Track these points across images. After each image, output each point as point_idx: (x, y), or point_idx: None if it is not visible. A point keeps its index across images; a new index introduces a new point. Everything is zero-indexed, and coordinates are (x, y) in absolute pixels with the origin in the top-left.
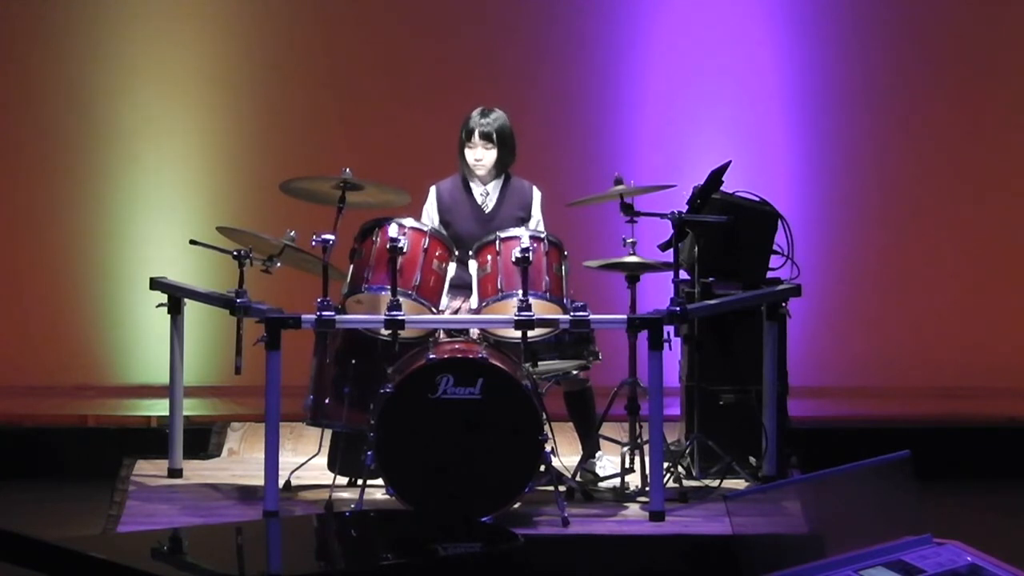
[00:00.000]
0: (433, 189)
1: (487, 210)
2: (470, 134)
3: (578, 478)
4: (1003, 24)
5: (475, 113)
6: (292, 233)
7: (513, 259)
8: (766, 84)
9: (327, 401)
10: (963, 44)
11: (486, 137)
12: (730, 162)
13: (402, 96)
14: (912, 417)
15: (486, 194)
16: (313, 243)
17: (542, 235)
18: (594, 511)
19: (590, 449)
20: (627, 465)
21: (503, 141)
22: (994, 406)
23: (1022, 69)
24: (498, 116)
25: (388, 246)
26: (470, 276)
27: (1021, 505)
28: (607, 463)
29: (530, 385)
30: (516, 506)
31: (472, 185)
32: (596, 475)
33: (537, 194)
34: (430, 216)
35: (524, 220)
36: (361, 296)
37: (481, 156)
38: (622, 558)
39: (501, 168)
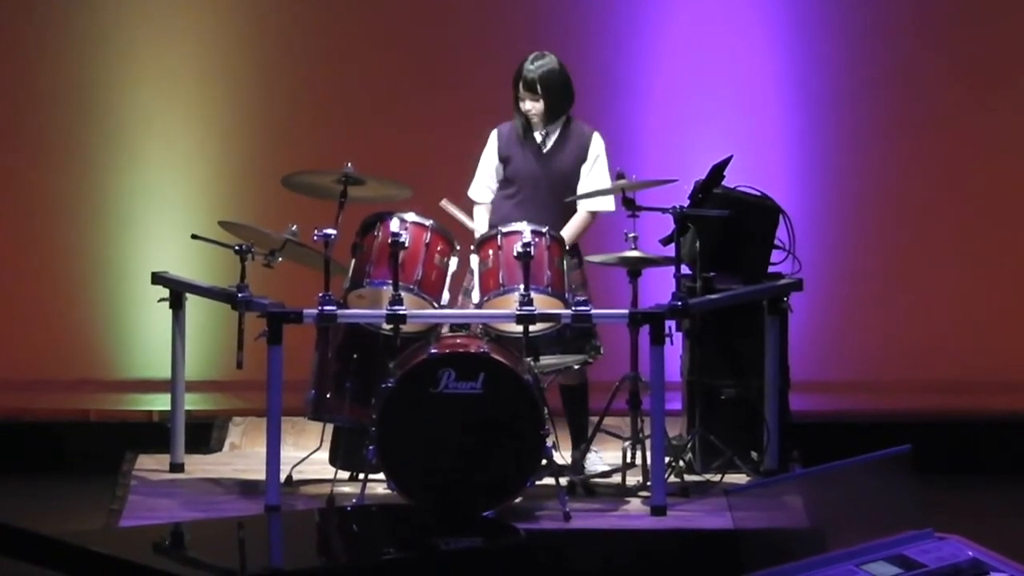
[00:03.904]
0: (495, 131)
1: (545, 149)
2: (518, 83)
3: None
4: (1008, 18)
5: (527, 60)
6: (294, 227)
7: (514, 254)
8: (767, 79)
9: (329, 396)
10: (966, 38)
11: (530, 87)
12: (731, 157)
13: (404, 90)
14: (914, 411)
15: (545, 134)
16: (315, 238)
17: (543, 230)
18: (596, 505)
19: (580, 444)
20: (628, 460)
21: (549, 89)
22: (997, 400)
23: None
24: (544, 63)
25: (390, 241)
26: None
27: (1023, 499)
28: (597, 460)
29: (532, 380)
30: (518, 500)
31: (533, 126)
32: (584, 470)
33: (597, 139)
34: (489, 159)
35: (582, 162)
36: (363, 291)
37: (530, 107)
38: (623, 552)
39: (554, 115)
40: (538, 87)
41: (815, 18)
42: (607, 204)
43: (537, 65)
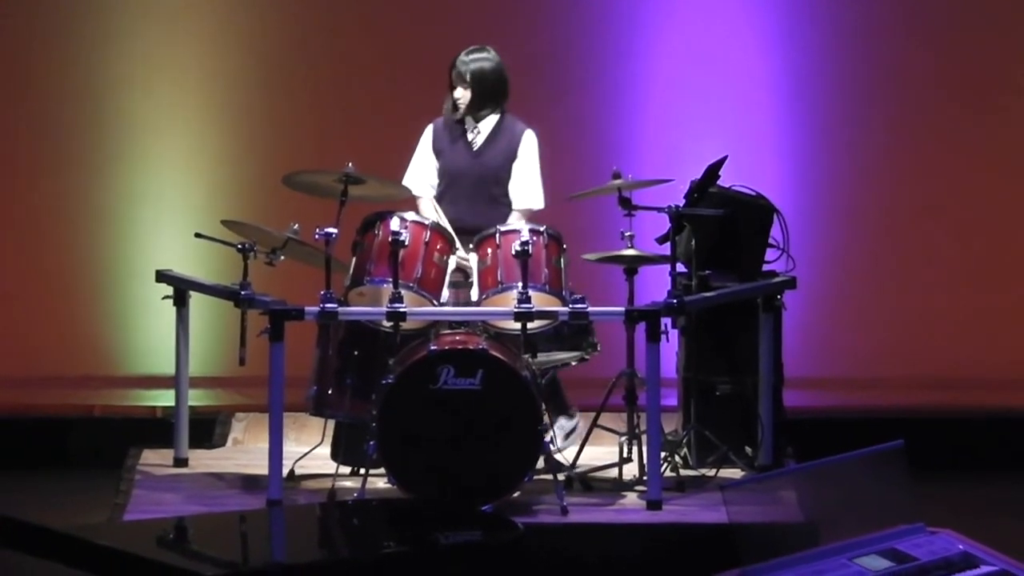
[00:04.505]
0: (431, 125)
1: (475, 147)
2: (451, 71)
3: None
4: (1000, 20)
5: (463, 51)
6: (295, 226)
7: (513, 252)
8: (762, 81)
9: (330, 392)
10: (957, 40)
11: (459, 77)
12: (726, 157)
13: (403, 91)
14: (906, 408)
15: (477, 131)
16: (316, 236)
17: (541, 228)
18: (592, 500)
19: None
20: (625, 455)
21: (478, 83)
22: (988, 397)
23: (1016, 61)
24: (477, 58)
25: (390, 239)
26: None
27: (1013, 495)
28: (565, 425)
29: (529, 376)
30: (516, 495)
31: (465, 121)
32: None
33: (529, 137)
34: (423, 152)
35: (512, 159)
36: (363, 288)
37: (459, 95)
38: (620, 546)
39: (478, 108)
40: (467, 78)
41: (808, 23)
42: (537, 202)
43: (471, 58)
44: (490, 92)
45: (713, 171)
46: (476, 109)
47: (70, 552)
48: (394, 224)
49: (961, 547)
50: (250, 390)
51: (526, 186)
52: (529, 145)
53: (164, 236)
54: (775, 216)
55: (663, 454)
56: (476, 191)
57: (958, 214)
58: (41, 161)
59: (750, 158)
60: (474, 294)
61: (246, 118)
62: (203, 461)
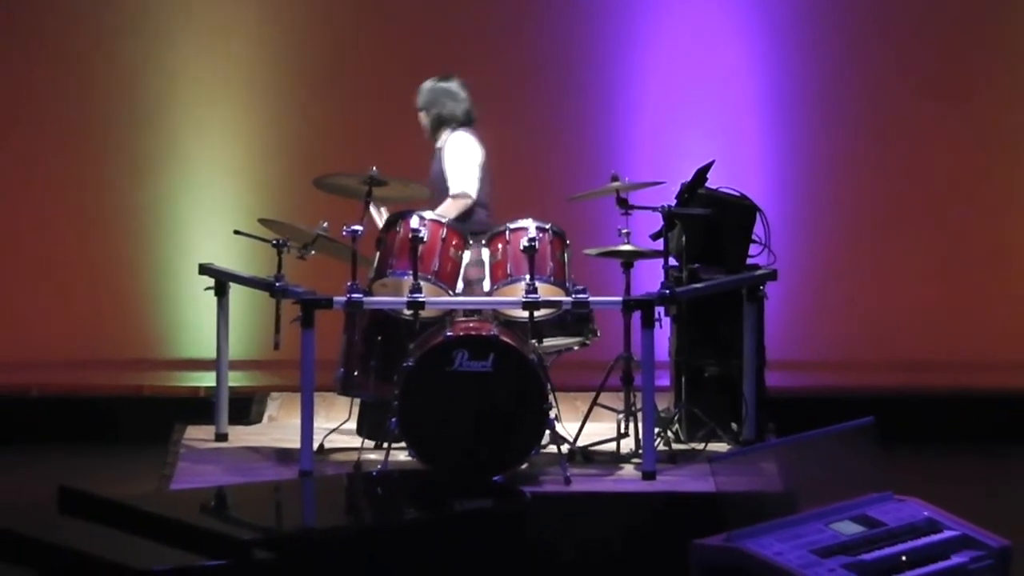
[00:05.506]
0: None
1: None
2: None
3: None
4: (970, 29)
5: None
6: (324, 224)
7: (521, 247)
8: (747, 90)
9: (356, 373)
10: (932, 40)
11: None
12: (713, 161)
13: None
14: (876, 387)
15: (446, 141)
16: (343, 233)
17: (547, 226)
18: (593, 471)
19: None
20: (622, 430)
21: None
22: (949, 378)
23: (989, 58)
24: (421, 86)
25: (410, 236)
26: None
27: (974, 466)
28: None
29: (536, 359)
30: (523, 467)
31: None
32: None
33: (449, 140)
34: None
35: (442, 164)
36: (386, 280)
37: None
38: (618, 513)
39: (433, 128)
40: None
41: (789, 41)
42: (455, 187)
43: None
44: (426, 117)
45: (701, 174)
46: (432, 129)
47: (122, 518)
48: (414, 222)
49: (926, 513)
50: (284, 372)
51: (448, 177)
52: (449, 147)
53: (206, 233)
54: (758, 214)
55: (657, 430)
56: (431, 191)
57: (924, 212)
58: (97, 165)
59: (735, 162)
60: (486, 285)
61: (280, 126)
62: (241, 436)
